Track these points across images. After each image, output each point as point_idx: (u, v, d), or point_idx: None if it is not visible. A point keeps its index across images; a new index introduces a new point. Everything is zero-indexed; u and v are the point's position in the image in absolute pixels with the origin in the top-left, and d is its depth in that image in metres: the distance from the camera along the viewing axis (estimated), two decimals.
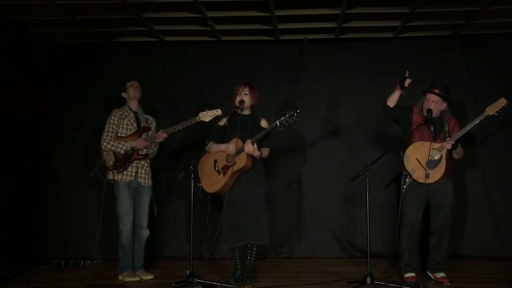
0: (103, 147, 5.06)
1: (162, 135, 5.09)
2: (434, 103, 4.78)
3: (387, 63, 6.23)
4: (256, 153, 4.70)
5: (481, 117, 4.70)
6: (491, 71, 6.03)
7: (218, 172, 4.78)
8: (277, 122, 4.62)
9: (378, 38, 6.24)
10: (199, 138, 5.85)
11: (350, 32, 6.12)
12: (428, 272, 4.93)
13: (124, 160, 5.06)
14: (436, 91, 4.79)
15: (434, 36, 6.17)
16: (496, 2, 5.15)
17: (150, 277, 5.14)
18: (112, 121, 5.13)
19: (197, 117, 5.00)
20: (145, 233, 5.17)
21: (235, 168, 4.70)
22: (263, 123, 4.89)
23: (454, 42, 6.14)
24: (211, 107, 5.01)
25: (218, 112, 4.95)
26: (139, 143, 5.08)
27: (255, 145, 4.66)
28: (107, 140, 5.06)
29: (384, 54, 6.26)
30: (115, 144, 5.05)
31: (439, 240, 4.84)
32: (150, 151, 5.24)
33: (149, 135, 5.17)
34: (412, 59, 6.16)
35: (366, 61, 6.27)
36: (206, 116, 4.97)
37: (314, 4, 5.41)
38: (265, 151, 4.82)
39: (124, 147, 5.04)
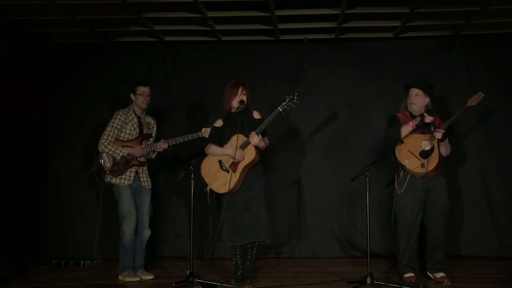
0: (100, 149, 5.05)
1: (162, 146, 5.10)
2: (417, 96, 4.81)
3: (387, 63, 6.24)
4: (262, 144, 4.70)
5: (464, 107, 4.75)
6: (491, 71, 6.02)
7: (227, 171, 4.74)
8: (280, 108, 4.63)
9: (378, 38, 6.25)
10: (200, 138, 5.85)
11: (350, 32, 6.12)
12: (427, 272, 4.93)
13: (122, 165, 5.04)
14: (415, 85, 4.82)
15: (434, 36, 6.17)
16: (496, 2, 5.15)
17: (150, 277, 5.14)
18: (115, 124, 5.10)
19: (199, 133, 5.03)
20: (147, 233, 5.17)
21: (245, 162, 4.69)
22: (256, 115, 4.89)
23: (454, 42, 6.14)
24: (213, 120, 5.01)
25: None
26: (137, 151, 5.07)
27: (260, 136, 4.66)
28: (105, 143, 5.04)
29: (384, 54, 6.26)
30: (113, 149, 5.03)
31: (436, 239, 4.84)
32: (148, 156, 5.24)
33: (149, 142, 5.16)
34: (412, 59, 6.18)
35: (366, 61, 6.27)
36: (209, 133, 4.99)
37: (314, 4, 5.41)
38: (266, 140, 4.82)
39: (121, 154, 5.03)
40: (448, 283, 4.73)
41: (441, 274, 4.83)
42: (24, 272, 5.36)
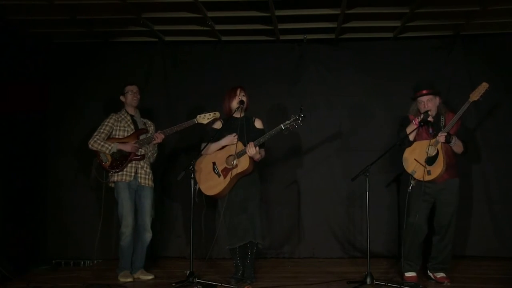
0: (90, 146, 5.04)
1: (159, 136, 5.08)
2: (430, 101, 4.79)
3: (387, 63, 6.24)
4: (257, 156, 4.71)
5: (467, 104, 4.66)
6: (491, 71, 6.01)
7: (218, 174, 4.76)
8: (282, 126, 4.65)
9: (378, 38, 6.24)
10: (198, 138, 5.85)
11: (350, 32, 6.12)
12: (428, 271, 4.92)
13: (120, 160, 5.03)
14: (424, 91, 4.79)
15: (434, 36, 6.17)
16: (496, 2, 5.15)
17: (150, 277, 5.14)
18: (107, 123, 5.11)
19: (194, 119, 5.00)
20: (148, 235, 5.12)
21: (237, 171, 4.69)
22: (257, 124, 4.90)
23: (454, 42, 6.15)
24: (209, 111, 5.01)
25: (216, 114, 4.95)
26: (125, 146, 5.04)
27: (257, 148, 4.67)
28: (95, 139, 5.04)
29: (384, 54, 6.26)
30: (102, 143, 5.02)
31: (443, 240, 4.83)
32: (149, 153, 5.22)
33: (146, 136, 5.16)
34: (412, 59, 6.18)
35: (366, 61, 6.27)
36: (204, 118, 4.98)
37: (314, 4, 5.41)
38: (262, 152, 4.83)
39: (110, 148, 5.01)
40: (448, 283, 4.72)
41: (441, 274, 4.82)
42: (24, 272, 5.35)
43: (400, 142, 4.80)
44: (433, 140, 4.69)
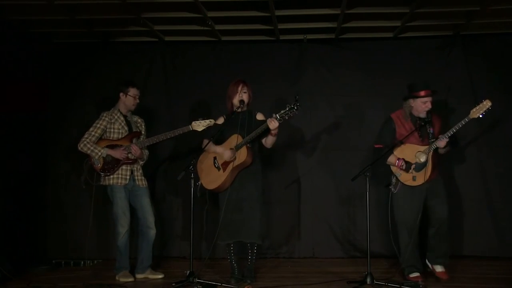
0: (79, 148, 5.00)
1: (134, 149, 5.00)
2: (430, 102, 4.79)
3: (387, 63, 6.24)
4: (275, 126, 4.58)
5: (466, 120, 4.65)
6: (491, 71, 6.02)
7: (218, 168, 4.77)
8: (277, 115, 4.58)
9: (378, 38, 6.25)
10: (198, 138, 5.84)
11: (350, 32, 6.12)
12: (427, 261, 4.93)
13: (112, 164, 5.01)
14: (423, 92, 4.76)
15: (434, 36, 6.17)
16: (496, 2, 5.16)
17: (160, 276, 5.14)
18: (99, 125, 5.07)
19: (189, 126, 4.94)
20: (153, 232, 5.12)
21: (236, 163, 4.70)
22: (260, 117, 4.88)
23: (454, 42, 6.15)
24: (205, 117, 4.96)
25: (211, 122, 4.90)
26: (115, 153, 5.00)
27: (277, 122, 4.56)
28: (85, 142, 5.00)
29: (384, 54, 6.26)
30: (92, 148, 4.98)
31: (438, 231, 4.82)
32: (145, 156, 5.22)
33: (140, 140, 5.14)
34: (412, 59, 6.18)
35: (366, 61, 6.27)
36: (199, 125, 4.92)
37: (314, 4, 5.42)
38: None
39: (100, 153, 4.98)
40: (446, 278, 4.73)
41: (440, 269, 4.84)
42: (24, 272, 5.35)
43: (399, 143, 4.79)
44: (425, 147, 4.69)
